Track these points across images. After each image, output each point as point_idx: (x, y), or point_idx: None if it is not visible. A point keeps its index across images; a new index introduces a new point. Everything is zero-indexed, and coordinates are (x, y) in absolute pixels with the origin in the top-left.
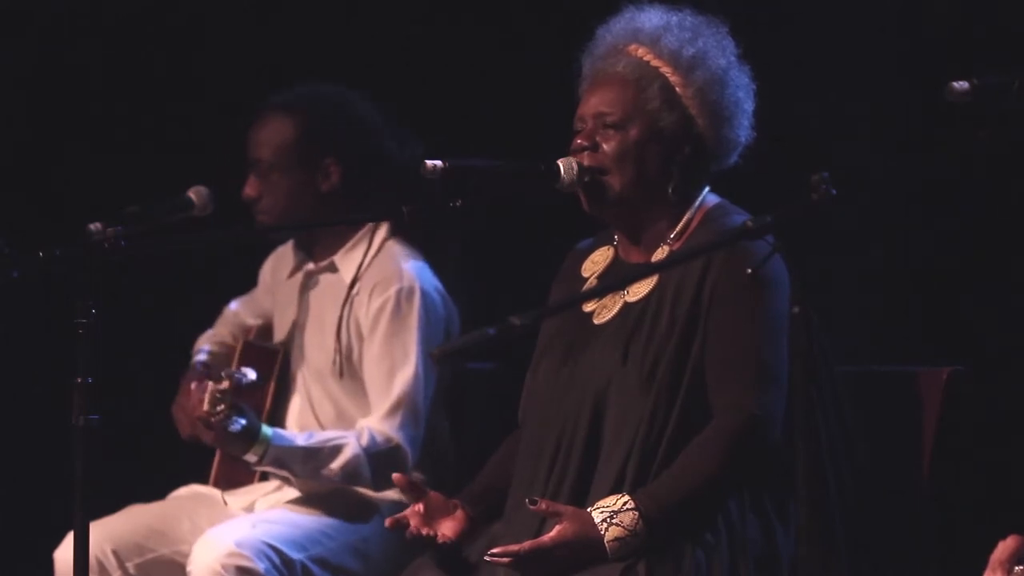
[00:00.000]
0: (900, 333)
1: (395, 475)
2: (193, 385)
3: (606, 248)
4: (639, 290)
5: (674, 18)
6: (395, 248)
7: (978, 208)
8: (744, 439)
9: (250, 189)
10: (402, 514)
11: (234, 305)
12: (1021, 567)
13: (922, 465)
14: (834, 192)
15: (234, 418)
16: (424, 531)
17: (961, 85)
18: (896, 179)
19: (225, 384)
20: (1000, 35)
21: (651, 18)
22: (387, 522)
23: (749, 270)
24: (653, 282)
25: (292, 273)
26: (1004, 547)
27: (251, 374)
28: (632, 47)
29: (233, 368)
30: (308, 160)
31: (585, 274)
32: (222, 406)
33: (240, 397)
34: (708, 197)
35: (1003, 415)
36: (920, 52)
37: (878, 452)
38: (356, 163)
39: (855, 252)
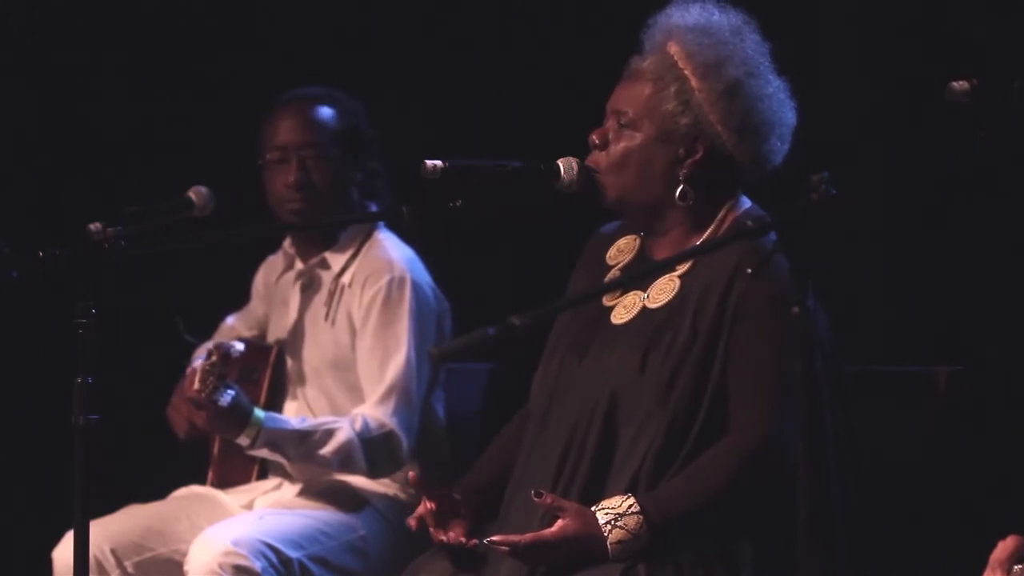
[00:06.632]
0: (900, 333)
1: (410, 473)
2: (188, 371)
3: (632, 237)
4: (659, 297)
5: (714, 17)
6: (386, 241)
7: (978, 208)
8: (758, 459)
9: (306, 176)
10: (419, 513)
11: (230, 320)
12: (1020, 567)
13: (922, 465)
14: (834, 192)
15: (222, 390)
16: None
17: (961, 85)
18: (896, 179)
19: (214, 358)
20: (1000, 35)
21: (692, 15)
22: (411, 523)
23: (749, 270)
24: (675, 290)
25: (283, 273)
26: (1004, 547)
27: (239, 345)
28: (668, 43)
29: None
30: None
31: (610, 261)
32: (211, 378)
33: (234, 378)
34: (741, 204)
35: (1003, 415)
36: (920, 52)
37: (879, 452)
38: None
39: (856, 252)
